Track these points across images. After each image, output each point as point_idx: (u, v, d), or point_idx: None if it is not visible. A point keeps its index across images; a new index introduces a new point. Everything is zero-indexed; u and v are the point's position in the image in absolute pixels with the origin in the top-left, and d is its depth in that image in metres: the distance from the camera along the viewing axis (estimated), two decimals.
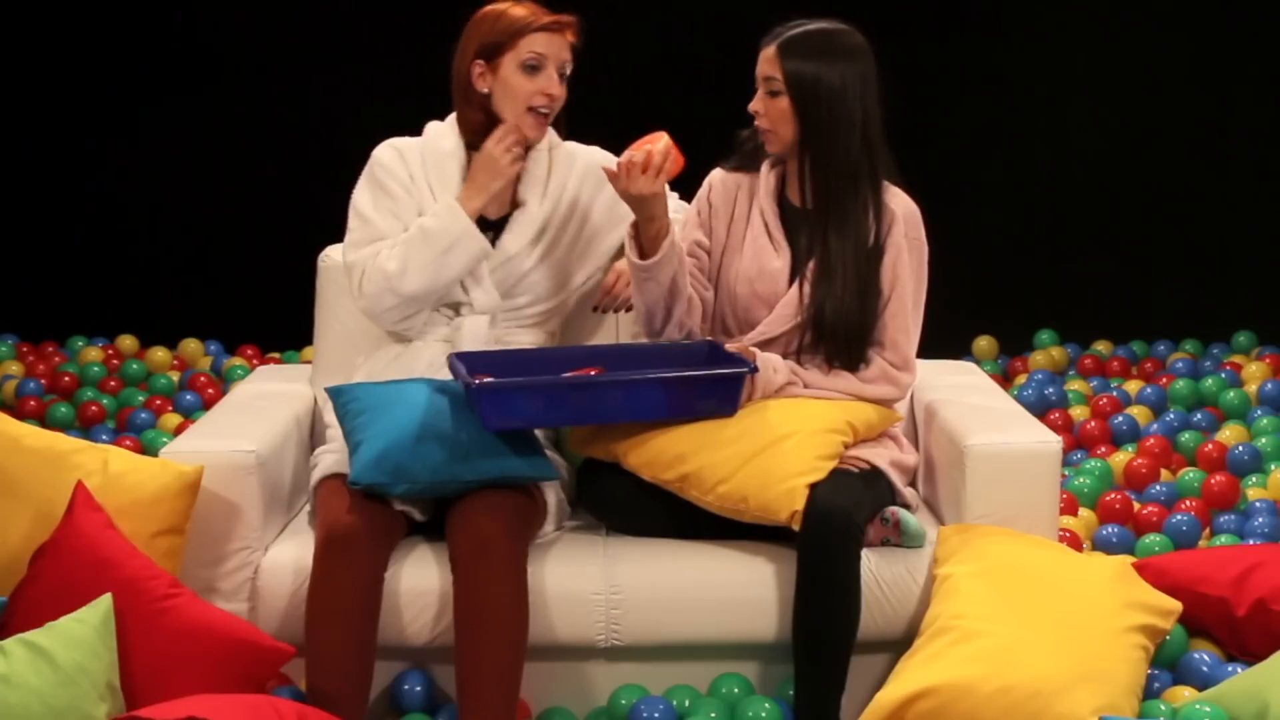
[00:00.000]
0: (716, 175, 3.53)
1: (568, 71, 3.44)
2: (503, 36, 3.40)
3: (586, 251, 3.56)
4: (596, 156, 3.56)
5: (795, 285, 3.39)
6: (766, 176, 3.46)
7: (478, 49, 3.43)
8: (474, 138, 3.47)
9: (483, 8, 3.48)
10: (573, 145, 3.58)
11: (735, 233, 3.46)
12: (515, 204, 3.50)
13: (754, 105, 3.38)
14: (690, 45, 6.03)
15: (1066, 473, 4.51)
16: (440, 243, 3.35)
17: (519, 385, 3.18)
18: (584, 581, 3.24)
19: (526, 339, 3.51)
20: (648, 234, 3.33)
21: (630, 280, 3.43)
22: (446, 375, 3.35)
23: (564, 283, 3.54)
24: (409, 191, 3.44)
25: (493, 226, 3.47)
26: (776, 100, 3.34)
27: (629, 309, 3.53)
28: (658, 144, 3.28)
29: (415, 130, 3.54)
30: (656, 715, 3.16)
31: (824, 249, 3.36)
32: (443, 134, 3.51)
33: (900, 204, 3.42)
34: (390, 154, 3.49)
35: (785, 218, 3.44)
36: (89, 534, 3.06)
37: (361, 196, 3.47)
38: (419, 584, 3.20)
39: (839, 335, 3.36)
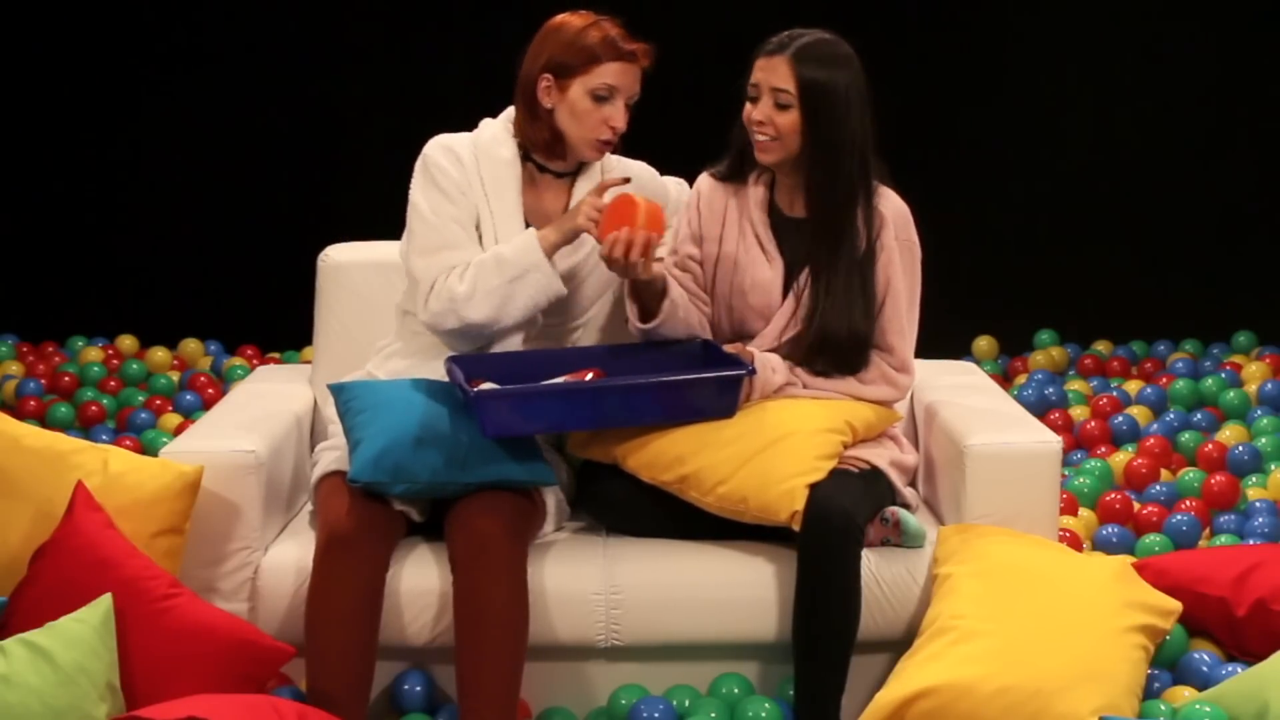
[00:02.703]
0: (704, 184, 3.46)
1: (634, 100, 3.32)
2: (577, 60, 3.27)
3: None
4: (645, 175, 3.49)
5: (790, 297, 3.37)
6: (755, 185, 3.42)
7: (548, 63, 3.30)
8: (534, 151, 3.37)
9: (559, 14, 3.33)
10: (619, 162, 3.47)
11: (727, 244, 3.42)
12: None
13: (757, 115, 3.29)
14: (687, 52, 6.03)
15: (1066, 473, 4.51)
16: (510, 271, 3.25)
17: (517, 393, 3.17)
18: (584, 581, 3.24)
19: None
20: (646, 294, 3.30)
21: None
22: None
23: (596, 298, 3.48)
24: (465, 194, 3.33)
25: None
26: (786, 112, 3.27)
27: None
28: (637, 221, 3.14)
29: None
30: (656, 715, 3.16)
31: (819, 261, 3.33)
32: (499, 140, 3.38)
33: (889, 205, 3.38)
34: (443, 154, 3.34)
35: (776, 227, 3.41)
36: (89, 534, 3.06)
37: (420, 197, 3.33)
38: (419, 584, 3.20)
39: (838, 347, 3.33)
